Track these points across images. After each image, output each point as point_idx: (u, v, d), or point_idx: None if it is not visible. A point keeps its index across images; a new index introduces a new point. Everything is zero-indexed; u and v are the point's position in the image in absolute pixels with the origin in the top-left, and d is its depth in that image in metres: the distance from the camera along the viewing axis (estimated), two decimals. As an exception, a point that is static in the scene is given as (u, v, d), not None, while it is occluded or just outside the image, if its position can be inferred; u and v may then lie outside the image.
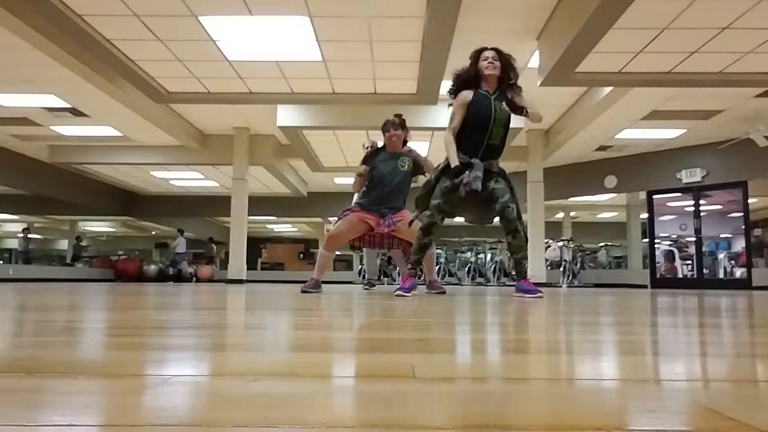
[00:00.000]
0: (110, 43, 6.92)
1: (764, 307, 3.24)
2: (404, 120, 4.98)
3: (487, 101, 4.03)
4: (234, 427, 0.51)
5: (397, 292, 4.03)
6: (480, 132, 4.02)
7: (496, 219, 4.26)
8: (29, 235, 18.08)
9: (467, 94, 4.09)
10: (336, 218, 5.03)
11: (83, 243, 19.68)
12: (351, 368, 0.89)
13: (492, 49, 4.16)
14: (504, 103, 4.09)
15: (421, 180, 4.67)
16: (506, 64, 4.15)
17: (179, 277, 16.86)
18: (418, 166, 4.96)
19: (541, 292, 4.09)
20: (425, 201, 4.20)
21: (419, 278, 4.68)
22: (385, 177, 4.83)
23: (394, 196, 4.86)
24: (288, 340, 1.33)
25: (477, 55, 4.15)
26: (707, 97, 8.68)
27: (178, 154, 12.28)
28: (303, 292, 4.69)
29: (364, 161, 4.93)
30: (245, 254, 11.76)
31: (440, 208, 4.08)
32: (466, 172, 3.94)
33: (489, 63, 4.06)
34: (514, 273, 4.41)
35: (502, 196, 4.04)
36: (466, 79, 4.13)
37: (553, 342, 1.30)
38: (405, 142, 5.00)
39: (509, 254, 4.30)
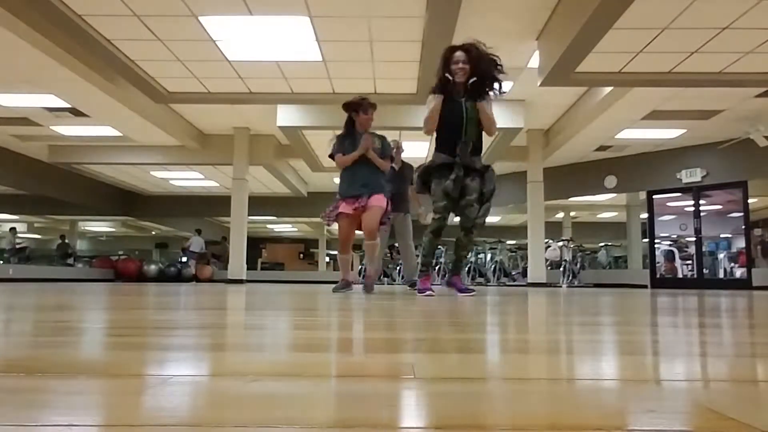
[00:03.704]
0: (110, 43, 6.92)
1: (764, 307, 3.24)
2: (374, 104, 5.12)
3: (458, 106, 4.12)
4: (234, 427, 0.51)
5: (424, 294, 4.17)
6: (455, 132, 4.14)
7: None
8: (17, 235, 18.17)
9: (439, 99, 4.16)
10: (326, 219, 5.09)
11: (66, 241, 19.59)
12: (351, 368, 0.89)
13: (462, 48, 4.13)
14: (474, 102, 4.16)
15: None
16: (476, 61, 4.10)
17: (179, 277, 16.84)
18: (386, 149, 5.12)
19: (474, 290, 4.47)
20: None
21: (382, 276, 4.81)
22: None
23: (371, 175, 4.94)
24: (288, 340, 1.33)
25: (448, 55, 4.14)
26: (707, 97, 8.68)
27: (178, 154, 12.28)
28: (334, 291, 4.98)
29: (336, 149, 5.03)
30: (245, 254, 11.76)
31: (447, 207, 4.21)
32: (454, 171, 4.12)
33: (459, 69, 4.09)
34: (450, 268, 4.70)
35: (470, 194, 4.20)
36: (441, 85, 4.19)
37: (553, 342, 1.30)
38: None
39: (455, 249, 4.49)
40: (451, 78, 4.11)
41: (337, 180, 17.39)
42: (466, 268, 15.61)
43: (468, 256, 4.61)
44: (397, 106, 8.84)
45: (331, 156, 5.14)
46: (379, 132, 5.29)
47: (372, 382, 0.77)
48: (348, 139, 5.02)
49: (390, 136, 5.99)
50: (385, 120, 8.35)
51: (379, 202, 4.90)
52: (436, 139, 4.29)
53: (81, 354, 1.03)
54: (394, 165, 6.18)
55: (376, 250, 5.20)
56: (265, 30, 6.60)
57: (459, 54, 4.10)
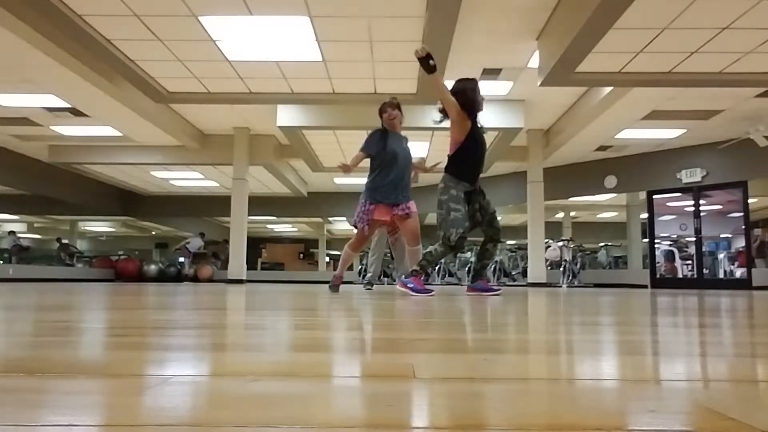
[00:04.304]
0: (110, 43, 6.92)
1: (764, 307, 3.24)
2: (399, 103, 5.17)
3: (481, 136, 4.46)
4: (234, 427, 0.51)
5: (429, 294, 4.24)
6: (479, 163, 4.45)
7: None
8: (18, 236, 18.21)
9: (468, 124, 4.40)
10: (356, 221, 5.09)
11: (65, 242, 19.57)
12: (351, 368, 0.89)
13: None
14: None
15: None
16: None
17: (179, 277, 16.88)
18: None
19: (500, 289, 4.73)
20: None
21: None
22: (398, 155, 4.97)
23: (406, 177, 5.05)
24: (288, 340, 1.33)
25: (477, 85, 4.44)
26: (707, 97, 8.68)
27: (178, 154, 12.28)
28: (332, 291, 5.17)
29: (374, 146, 4.94)
30: (245, 254, 11.76)
31: (470, 227, 4.39)
32: (476, 198, 4.45)
33: (483, 99, 4.46)
34: (471, 275, 5.05)
35: (490, 208, 4.51)
36: (468, 101, 4.37)
37: (553, 342, 1.30)
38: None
39: (480, 259, 4.67)
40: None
41: (337, 180, 17.21)
42: (466, 269, 15.65)
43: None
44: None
45: (363, 151, 5.01)
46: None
47: (372, 382, 0.77)
48: (387, 136, 5.01)
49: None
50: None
51: (415, 207, 5.04)
52: (459, 163, 4.41)
53: (81, 354, 1.03)
54: None
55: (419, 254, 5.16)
56: (265, 30, 6.59)
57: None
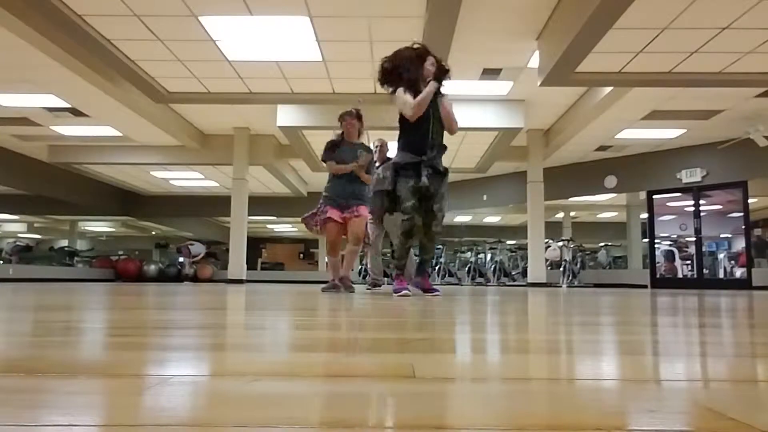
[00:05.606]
0: (110, 43, 6.92)
1: (764, 307, 3.24)
2: (361, 114, 5.47)
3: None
4: (234, 427, 0.51)
5: (399, 293, 4.19)
6: (423, 132, 4.22)
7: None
8: (18, 235, 18.23)
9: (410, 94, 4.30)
10: (313, 226, 5.43)
11: (60, 246, 19.51)
12: (351, 368, 0.89)
13: (429, 53, 4.41)
14: (438, 102, 4.29)
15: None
16: (442, 67, 4.38)
17: (179, 277, 16.89)
18: (371, 164, 5.49)
19: (438, 291, 4.50)
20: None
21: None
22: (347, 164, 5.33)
23: (355, 184, 5.33)
24: (288, 340, 1.33)
25: (422, 57, 4.32)
26: (707, 97, 8.67)
27: (178, 154, 12.27)
28: (323, 291, 5.22)
29: (328, 156, 5.47)
30: (245, 254, 11.75)
31: (415, 207, 4.20)
32: (424, 170, 4.15)
33: (433, 66, 4.29)
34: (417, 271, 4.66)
35: (435, 198, 4.23)
36: (408, 78, 4.27)
37: (553, 342, 1.30)
38: (360, 134, 5.52)
39: (420, 252, 4.58)
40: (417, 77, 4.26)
41: (337, 181, 17.09)
42: (466, 268, 15.64)
43: (432, 258, 4.61)
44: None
45: (324, 161, 5.54)
46: (378, 130, 5.41)
47: (372, 382, 0.77)
48: (340, 146, 5.41)
49: (388, 135, 6.04)
50: (384, 119, 8.36)
51: (365, 212, 5.30)
52: (401, 138, 4.36)
53: (81, 354, 1.03)
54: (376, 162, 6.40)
55: (356, 256, 5.56)
56: (265, 30, 6.59)
57: (431, 57, 4.35)
